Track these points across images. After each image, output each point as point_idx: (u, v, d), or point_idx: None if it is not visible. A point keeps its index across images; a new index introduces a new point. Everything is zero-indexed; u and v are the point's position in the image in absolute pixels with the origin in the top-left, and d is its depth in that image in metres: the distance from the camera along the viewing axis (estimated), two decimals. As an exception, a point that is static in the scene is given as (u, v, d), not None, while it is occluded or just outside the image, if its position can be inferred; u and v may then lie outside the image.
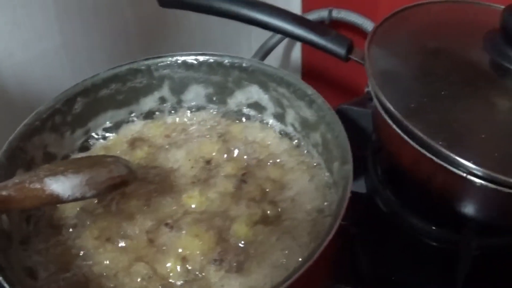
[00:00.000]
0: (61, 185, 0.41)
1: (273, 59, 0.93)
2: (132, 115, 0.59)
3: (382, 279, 0.57)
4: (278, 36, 0.86)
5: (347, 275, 0.57)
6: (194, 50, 0.58)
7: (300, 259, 0.44)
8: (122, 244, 0.47)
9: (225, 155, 0.54)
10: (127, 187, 0.47)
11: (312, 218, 0.48)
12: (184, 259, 0.45)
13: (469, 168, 0.43)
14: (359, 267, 0.59)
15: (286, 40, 0.92)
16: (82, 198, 0.42)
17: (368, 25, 0.82)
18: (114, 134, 0.58)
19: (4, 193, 0.40)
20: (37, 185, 0.41)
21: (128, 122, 0.59)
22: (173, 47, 0.57)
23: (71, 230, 0.48)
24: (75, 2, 0.64)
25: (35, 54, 0.64)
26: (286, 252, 0.45)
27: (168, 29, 0.77)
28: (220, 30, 0.85)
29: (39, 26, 0.62)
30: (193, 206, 0.49)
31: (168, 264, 0.45)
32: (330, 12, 0.85)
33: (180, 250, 0.45)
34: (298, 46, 0.98)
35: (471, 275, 0.51)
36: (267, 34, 0.85)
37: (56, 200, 0.41)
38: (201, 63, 0.57)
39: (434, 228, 0.55)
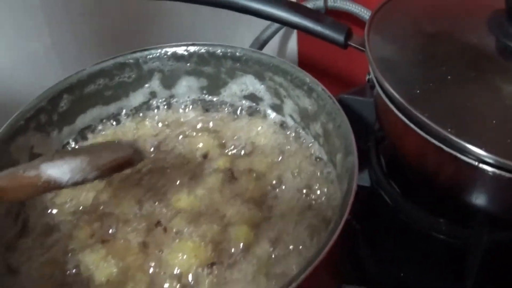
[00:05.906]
0: (58, 169, 0.38)
1: (269, 52, 0.89)
2: (122, 111, 0.57)
3: (389, 277, 0.55)
4: (273, 27, 0.85)
5: (352, 273, 0.56)
6: (185, 46, 0.56)
7: (297, 259, 0.42)
8: (114, 246, 0.45)
9: (218, 151, 0.52)
10: (134, 166, 0.45)
11: (312, 215, 0.46)
12: (180, 278, 0.43)
13: (481, 156, 0.41)
14: (364, 264, 0.58)
15: (282, 31, 0.91)
16: (84, 181, 0.40)
17: (365, 13, 0.81)
18: (103, 132, 0.56)
19: None
20: (32, 172, 0.38)
21: (118, 119, 0.57)
22: (164, 43, 0.56)
23: (60, 232, 0.47)
24: (62, 1, 0.64)
25: (23, 56, 0.63)
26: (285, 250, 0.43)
27: (157, 25, 0.77)
28: (213, 24, 0.84)
29: (26, 27, 0.62)
30: (183, 207, 0.47)
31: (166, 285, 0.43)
32: (325, 1, 0.83)
33: (176, 269, 0.43)
34: (294, 37, 0.97)
35: (482, 270, 0.50)
36: (261, 26, 0.84)
37: (53, 186, 0.38)
38: (191, 54, 0.55)
39: (442, 221, 0.54)
